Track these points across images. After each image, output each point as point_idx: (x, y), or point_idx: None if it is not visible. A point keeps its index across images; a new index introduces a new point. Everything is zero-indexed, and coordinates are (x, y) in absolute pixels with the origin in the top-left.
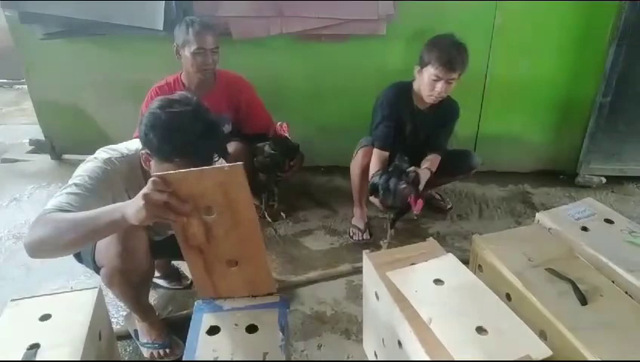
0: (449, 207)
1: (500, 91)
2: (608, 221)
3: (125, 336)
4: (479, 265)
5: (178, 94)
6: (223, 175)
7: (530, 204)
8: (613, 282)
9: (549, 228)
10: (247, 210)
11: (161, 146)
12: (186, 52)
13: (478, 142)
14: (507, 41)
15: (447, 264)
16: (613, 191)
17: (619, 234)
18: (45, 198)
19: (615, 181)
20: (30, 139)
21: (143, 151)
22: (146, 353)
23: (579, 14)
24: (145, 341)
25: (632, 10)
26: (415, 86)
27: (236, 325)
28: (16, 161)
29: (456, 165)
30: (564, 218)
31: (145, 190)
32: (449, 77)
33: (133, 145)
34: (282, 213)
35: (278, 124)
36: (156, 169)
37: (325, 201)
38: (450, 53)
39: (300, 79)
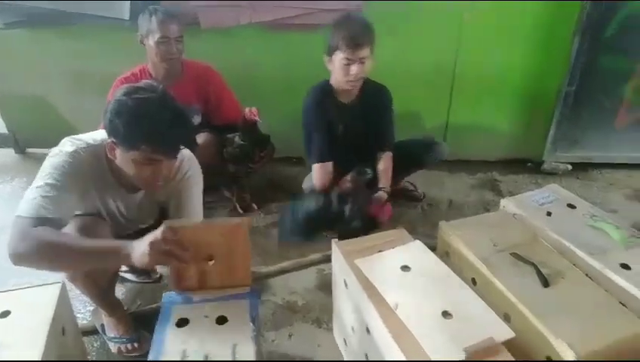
0: (422, 196)
1: (469, 81)
2: (571, 206)
3: (93, 331)
4: (446, 252)
5: (144, 82)
6: (231, 227)
7: (498, 191)
8: (574, 265)
9: (514, 214)
10: (244, 259)
11: (127, 133)
12: (150, 41)
13: (448, 131)
14: (475, 32)
15: (414, 251)
16: (578, 178)
17: (581, 218)
18: (9, 193)
19: (580, 168)
20: None
21: (109, 140)
22: (113, 348)
23: (544, 8)
24: (112, 335)
25: (594, 6)
26: (333, 81)
27: (206, 317)
28: None
29: (423, 156)
30: (528, 204)
31: (152, 238)
32: (359, 56)
33: (99, 135)
34: (254, 205)
35: (247, 109)
36: (122, 158)
37: (297, 192)
38: (353, 31)
39: (270, 69)
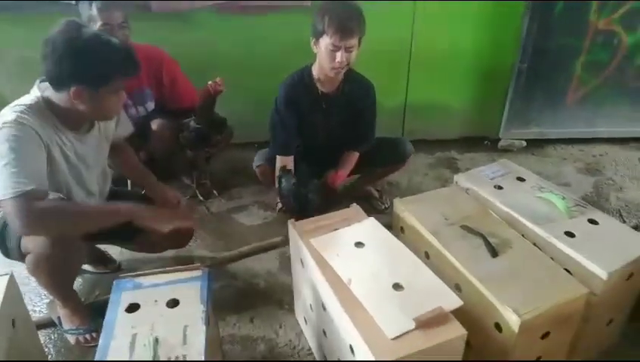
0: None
1: (425, 61)
2: (520, 179)
3: (49, 324)
4: (401, 227)
5: (61, 25)
6: None
7: (455, 169)
8: (523, 235)
9: (467, 189)
10: None
11: (97, 73)
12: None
13: (407, 111)
14: (428, 11)
15: (368, 227)
16: (533, 154)
17: (529, 190)
18: None
19: (536, 144)
20: None
21: (73, 89)
22: (71, 339)
23: None
24: (68, 327)
25: None
26: (315, 70)
27: (156, 301)
28: None
29: (388, 154)
30: (479, 178)
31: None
32: (347, 44)
33: (29, 96)
34: (215, 191)
35: (210, 82)
36: (91, 99)
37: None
38: (343, 18)
39: (227, 54)
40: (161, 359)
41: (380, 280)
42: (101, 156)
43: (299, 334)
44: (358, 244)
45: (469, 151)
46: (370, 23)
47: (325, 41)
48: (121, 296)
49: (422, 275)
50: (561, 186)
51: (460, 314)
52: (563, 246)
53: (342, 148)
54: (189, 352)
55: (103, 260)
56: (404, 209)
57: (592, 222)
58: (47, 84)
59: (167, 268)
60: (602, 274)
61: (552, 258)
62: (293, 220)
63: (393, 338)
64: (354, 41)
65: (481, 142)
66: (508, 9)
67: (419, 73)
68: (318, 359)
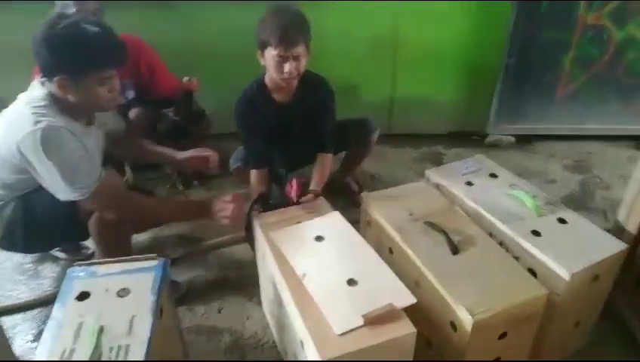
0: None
1: (411, 54)
2: (493, 175)
3: (14, 310)
4: (368, 222)
5: (56, 14)
6: None
7: (440, 164)
8: (490, 233)
9: (437, 184)
10: None
11: (78, 64)
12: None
13: (394, 105)
14: (414, 4)
15: (331, 221)
16: (521, 150)
17: (501, 187)
18: None
19: (524, 140)
20: None
21: (57, 79)
22: None
23: None
24: None
25: None
26: (267, 81)
27: (107, 290)
28: None
29: (352, 134)
30: (451, 174)
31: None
32: (293, 53)
33: (38, 93)
34: (195, 181)
35: (186, 78)
36: (78, 90)
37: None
38: (286, 27)
39: (210, 42)
40: (103, 347)
41: (335, 276)
42: (100, 149)
43: (265, 327)
44: (319, 238)
45: (455, 147)
46: (355, 16)
47: (271, 53)
48: (73, 284)
49: (378, 271)
50: (547, 183)
51: (418, 312)
52: (528, 245)
53: (312, 154)
54: (132, 342)
55: (77, 247)
56: (371, 203)
57: (562, 221)
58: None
59: (123, 258)
60: (565, 274)
61: (517, 257)
62: (257, 212)
63: (340, 334)
64: (300, 49)
65: (469, 138)
66: (495, 2)
67: (405, 67)
68: (280, 352)
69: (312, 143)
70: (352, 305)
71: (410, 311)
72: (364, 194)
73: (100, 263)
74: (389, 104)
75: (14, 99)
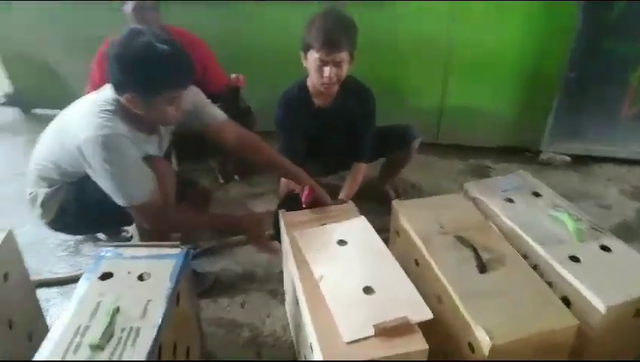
0: None
1: (464, 61)
2: (536, 194)
3: (51, 284)
4: (397, 231)
5: (130, 30)
6: None
7: (486, 178)
8: (526, 254)
9: (475, 198)
10: None
11: (147, 85)
12: (128, 9)
13: (443, 113)
14: (469, 8)
15: (356, 226)
16: (576, 171)
17: (542, 207)
18: (10, 149)
19: (581, 161)
20: (5, 93)
21: (126, 96)
22: None
23: None
24: None
25: None
26: (309, 83)
27: (129, 272)
28: None
29: (391, 141)
30: (491, 189)
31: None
32: (334, 58)
33: (107, 97)
34: (236, 176)
35: (234, 75)
36: (146, 107)
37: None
38: (330, 31)
39: (256, 41)
40: (115, 327)
41: (352, 282)
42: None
43: (285, 326)
44: (341, 242)
45: (505, 162)
46: (406, 17)
47: (313, 56)
48: (100, 263)
49: (398, 282)
50: (600, 209)
51: (438, 327)
52: (564, 271)
53: (347, 160)
54: (143, 325)
55: (118, 230)
56: (401, 211)
57: (605, 249)
58: None
59: (149, 243)
60: (601, 307)
61: (551, 283)
62: (284, 210)
63: (348, 343)
64: (343, 55)
65: (521, 153)
66: (560, 8)
67: (457, 74)
68: (296, 353)
69: (348, 150)
70: (365, 314)
71: (430, 326)
72: (394, 202)
73: (126, 246)
74: (438, 111)
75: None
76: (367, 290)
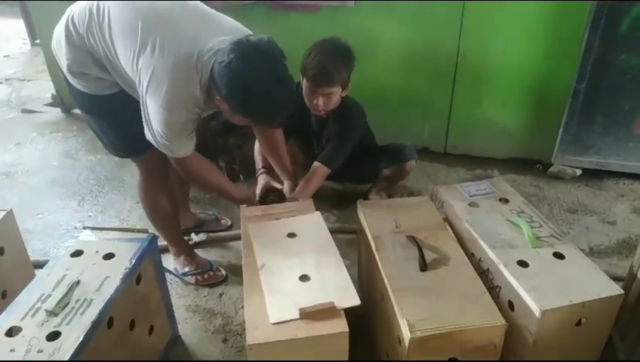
0: None
1: (473, 71)
2: (503, 200)
3: None
4: (360, 229)
5: (255, 45)
6: None
7: None
8: (480, 257)
9: (443, 201)
10: None
11: (240, 105)
12: None
13: (451, 123)
14: (479, 17)
15: (309, 221)
16: (587, 185)
17: (505, 213)
18: (44, 146)
19: (593, 175)
20: (52, 94)
21: (219, 99)
22: (191, 280)
23: None
24: (187, 270)
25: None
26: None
27: (97, 252)
28: (33, 112)
29: (387, 157)
30: (459, 193)
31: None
32: (322, 91)
33: (206, 67)
34: (241, 176)
35: None
36: (229, 114)
37: None
38: (322, 65)
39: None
40: (72, 298)
41: (291, 270)
42: None
43: None
44: (291, 235)
45: (512, 173)
46: (415, 29)
47: (305, 82)
48: (76, 242)
49: (334, 272)
50: (604, 224)
51: (381, 324)
52: (508, 274)
53: (344, 172)
54: (96, 298)
55: (217, 219)
56: (363, 211)
57: (558, 255)
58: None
59: (121, 228)
60: (536, 310)
61: (500, 286)
62: (245, 205)
63: (273, 323)
64: (333, 90)
65: (531, 165)
66: (568, 19)
67: (465, 85)
68: None
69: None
70: (294, 299)
71: (375, 322)
72: (359, 202)
73: (101, 230)
74: (446, 121)
75: None
76: (303, 278)
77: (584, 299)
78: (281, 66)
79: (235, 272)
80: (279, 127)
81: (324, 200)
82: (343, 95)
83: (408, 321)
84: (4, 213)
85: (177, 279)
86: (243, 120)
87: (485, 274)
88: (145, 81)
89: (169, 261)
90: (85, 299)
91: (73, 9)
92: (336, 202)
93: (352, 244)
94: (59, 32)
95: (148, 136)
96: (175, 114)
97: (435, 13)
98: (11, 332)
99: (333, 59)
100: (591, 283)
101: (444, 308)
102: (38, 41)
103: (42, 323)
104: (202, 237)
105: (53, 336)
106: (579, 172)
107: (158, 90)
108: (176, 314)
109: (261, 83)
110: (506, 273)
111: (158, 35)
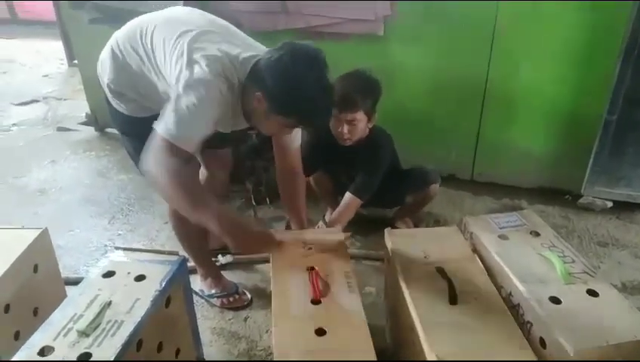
0: None
1: (501, 99)
2: (534, 233)
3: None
4: (387, 259)
5: (303, 50)
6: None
7: None
8: (510, 292)
9: (471, 233)
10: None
11: (284, 105)
12: None
13: (478, 151)
14: (509, 45)
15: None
16: (618, 218)
17: (537, 247)
18: (77, 164)
19: (624, 207)
20: (86, 113)
21: (258, 93)
22: (217, 302)
23: (587, 20)
24: (213, 292)
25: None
26: None
27: (129, 273)
28: (68, 130)
29: (411, 182)
30: (488, 224)
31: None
32: (345, 117)
33: (243, 68)
34: (267, 199)
35: None
36: (266, 115)
37: (312, 193)
38: (346, 90)
39: None
40: (104, 318)
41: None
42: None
43: None
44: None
45: (541, 203)
46: (444, 56)
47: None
48: (107, 263)
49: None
50: (634, 259)
51: (409, 356)
52: (540, 310)
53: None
54: (127, 320)
55: None
56: (390, 240)
57: (591, 293)
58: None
59: (152, 249)
60: (570, 350)
61: (530, 322)
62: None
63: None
64: (356, 116)
65: (559, 196)
66: (600, 47)
67: (494, 111)
68: None
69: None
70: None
71: (402, 354)
72: (386, 230)
73: (134, 251)
74: (473, 148)
75: None
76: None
77: (619, 341)
78: (326, 73)
79: (260, 295)
80: (311, 127)
81: (347, 225)
82: (370, 125)
83: (437, 355)
84: (40, 231)
85: (203, 301)
86: (276, 122)
87: (516, 309)
88: (185, 58)
89: (195, 282)
90: (116, 321)
91: (119, 31)
92: (360, 226)
93: (377, 271)
94: (105, 54)
95: (159, 121)
96: (210, 95)
97: (464, 41)
98: (44, 351)
99: (356, 86)
100: (626, 324)
101: (474, 342)
102: (75, 61)
103: (74, 344)
104: (229, 259)
105: (85, 357)
106: (609, 204)
107: (199, 69)
108: (201, 337)
109: (309, 80)
110: (538, 309)
111: (200, 30)
